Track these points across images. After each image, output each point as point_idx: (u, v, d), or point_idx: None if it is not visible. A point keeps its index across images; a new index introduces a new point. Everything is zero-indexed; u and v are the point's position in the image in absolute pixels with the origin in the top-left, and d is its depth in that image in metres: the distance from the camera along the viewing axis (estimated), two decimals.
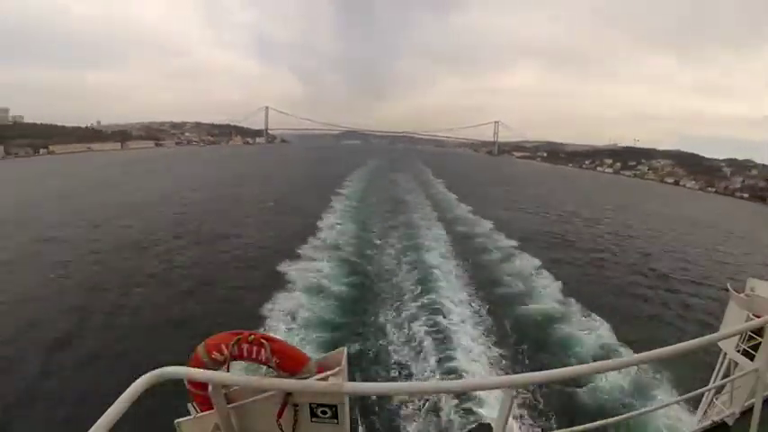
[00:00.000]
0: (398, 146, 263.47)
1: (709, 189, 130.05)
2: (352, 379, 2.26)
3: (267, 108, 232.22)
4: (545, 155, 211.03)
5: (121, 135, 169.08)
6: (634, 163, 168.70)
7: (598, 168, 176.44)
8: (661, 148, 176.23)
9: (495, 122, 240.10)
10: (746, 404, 3.67)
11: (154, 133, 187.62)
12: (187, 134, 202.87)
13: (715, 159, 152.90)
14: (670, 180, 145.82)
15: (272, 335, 2.31)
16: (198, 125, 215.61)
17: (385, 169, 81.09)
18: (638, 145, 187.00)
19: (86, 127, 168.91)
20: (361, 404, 10.06)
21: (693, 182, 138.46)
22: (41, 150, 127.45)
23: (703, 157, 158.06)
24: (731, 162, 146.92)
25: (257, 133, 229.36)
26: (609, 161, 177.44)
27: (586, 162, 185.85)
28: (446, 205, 40.61)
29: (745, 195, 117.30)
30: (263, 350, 2.17)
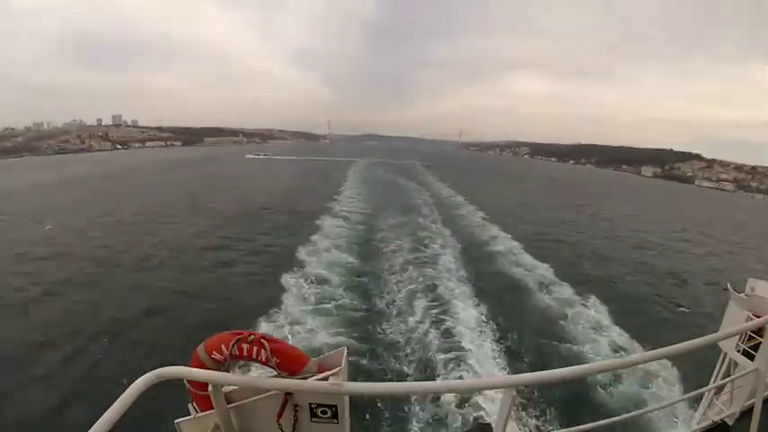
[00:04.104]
0: (404, 144, 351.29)
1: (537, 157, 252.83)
2: (352, 379, 2.26)
3: (329, 121, 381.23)
4: (477, 148, 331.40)
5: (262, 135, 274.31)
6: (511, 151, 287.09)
7: (502, 153, 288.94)
8: (615, 144, 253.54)
9: (460, 131, 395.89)
10: (746, 404, 3.67)
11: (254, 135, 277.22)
12: (286, 137, 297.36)
13: (559, 145, 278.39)
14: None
15: (272, 335, 2.31)
16: (282, 131, 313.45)
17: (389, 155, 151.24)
18: (594, 142, 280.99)
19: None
20: (361, 404, 10.06)
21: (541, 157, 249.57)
22: (268, 141, 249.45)
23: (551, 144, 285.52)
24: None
25: (322, 137, 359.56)
26: (497, 149, 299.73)
27: (503, 151, 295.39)
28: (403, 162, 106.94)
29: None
30: (262, 350, 2.17)
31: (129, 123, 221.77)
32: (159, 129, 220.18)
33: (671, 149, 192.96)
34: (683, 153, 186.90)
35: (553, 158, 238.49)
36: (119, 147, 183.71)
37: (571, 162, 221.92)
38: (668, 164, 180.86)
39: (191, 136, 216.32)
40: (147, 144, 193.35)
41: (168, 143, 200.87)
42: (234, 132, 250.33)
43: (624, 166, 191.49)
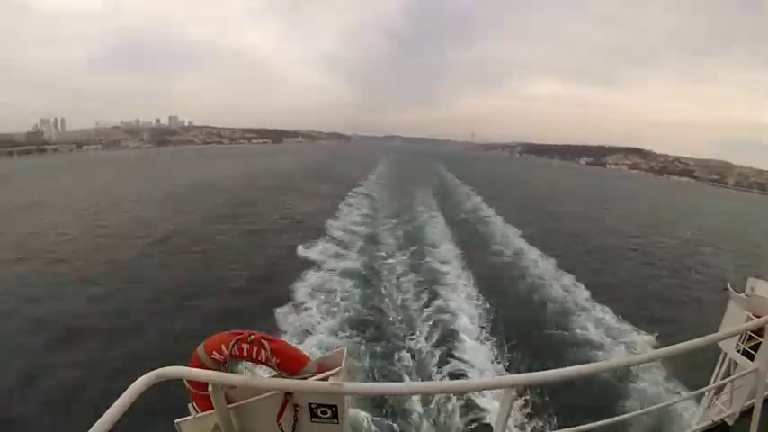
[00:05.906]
0: (421, 146, 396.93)
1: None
2: (352, 379, 2.27)
3: (359, 124, 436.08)
4: (482, 148, 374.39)
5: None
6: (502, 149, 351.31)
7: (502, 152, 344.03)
8: (622, 145, 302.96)
9: (472, 133, 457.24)
10: (746, 404, 3.67)
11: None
12: (323, 137, 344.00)
13: (542, 145, 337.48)
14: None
15: (271, 335, 2.31)
16: (320, 132, 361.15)
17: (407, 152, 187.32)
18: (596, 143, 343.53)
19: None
20: (362, 404, 10.05)
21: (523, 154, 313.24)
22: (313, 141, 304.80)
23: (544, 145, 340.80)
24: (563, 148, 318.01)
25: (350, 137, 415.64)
26: (499, 148, 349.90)
27: (503, 150, 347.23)
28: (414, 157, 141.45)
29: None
30: (262, 350, 2.17)
31: (187, 124, 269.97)
32: (244, 130, 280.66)
33: (619, 146, 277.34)
34: (630, 149, 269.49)
35: (533, 155, 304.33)
36: (236, 143, 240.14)
37: (546, 157, 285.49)
38: (598, 155, 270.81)
39: (274, 136, 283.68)
40: (253, 141, 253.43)
41: (264, 141, 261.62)
42: (294, 134, 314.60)
43: (575, 159, 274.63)
